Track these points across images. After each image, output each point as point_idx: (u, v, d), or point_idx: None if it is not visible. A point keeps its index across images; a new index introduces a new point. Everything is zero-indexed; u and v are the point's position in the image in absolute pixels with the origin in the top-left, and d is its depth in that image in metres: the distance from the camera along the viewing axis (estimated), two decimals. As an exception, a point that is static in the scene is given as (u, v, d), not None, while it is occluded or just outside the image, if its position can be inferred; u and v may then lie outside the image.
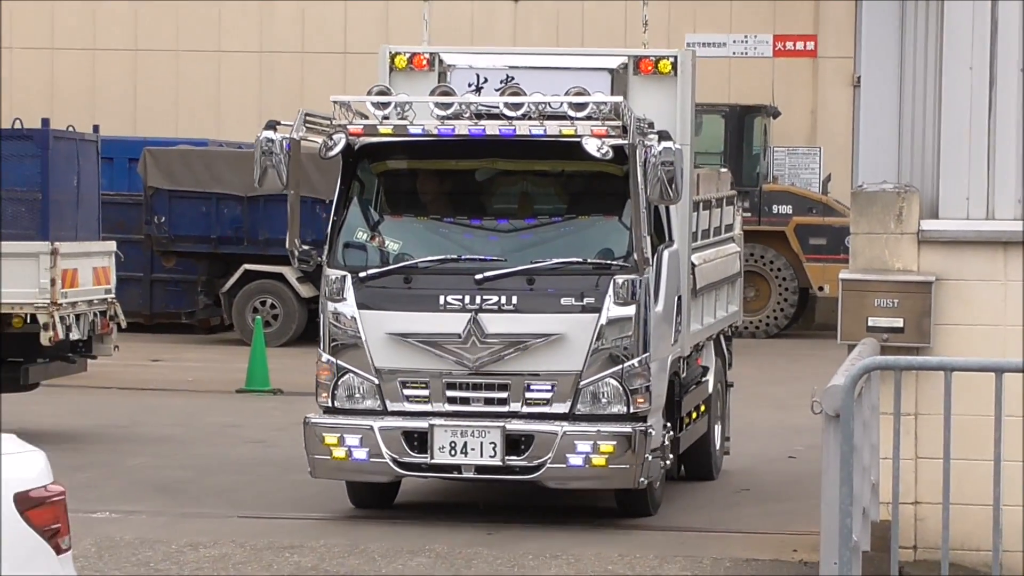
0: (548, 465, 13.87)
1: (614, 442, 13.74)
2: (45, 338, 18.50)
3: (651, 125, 14.03)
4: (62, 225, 19.60)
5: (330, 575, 12.80)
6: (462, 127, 13.91)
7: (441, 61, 15.38)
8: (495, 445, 13.89)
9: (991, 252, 12.58)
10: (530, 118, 13.80)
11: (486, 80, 14.96)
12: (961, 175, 12.60)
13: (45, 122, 19.84)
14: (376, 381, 14.10)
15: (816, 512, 10.09)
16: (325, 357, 14.28)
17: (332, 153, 13.95)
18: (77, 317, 19.06)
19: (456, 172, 15.04)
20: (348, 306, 14.12)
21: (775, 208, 32.97)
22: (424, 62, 15.29)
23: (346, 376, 14.16)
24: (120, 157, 31.60)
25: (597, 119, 13.65)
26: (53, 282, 18.47)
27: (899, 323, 12.42)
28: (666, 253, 14.75)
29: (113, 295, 19.97)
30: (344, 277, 14.19)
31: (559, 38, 36.38)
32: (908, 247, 12.60)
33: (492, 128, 13.89)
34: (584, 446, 13.78)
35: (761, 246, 32.63)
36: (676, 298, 15.06)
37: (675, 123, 15.08)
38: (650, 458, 13.97)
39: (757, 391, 24.52)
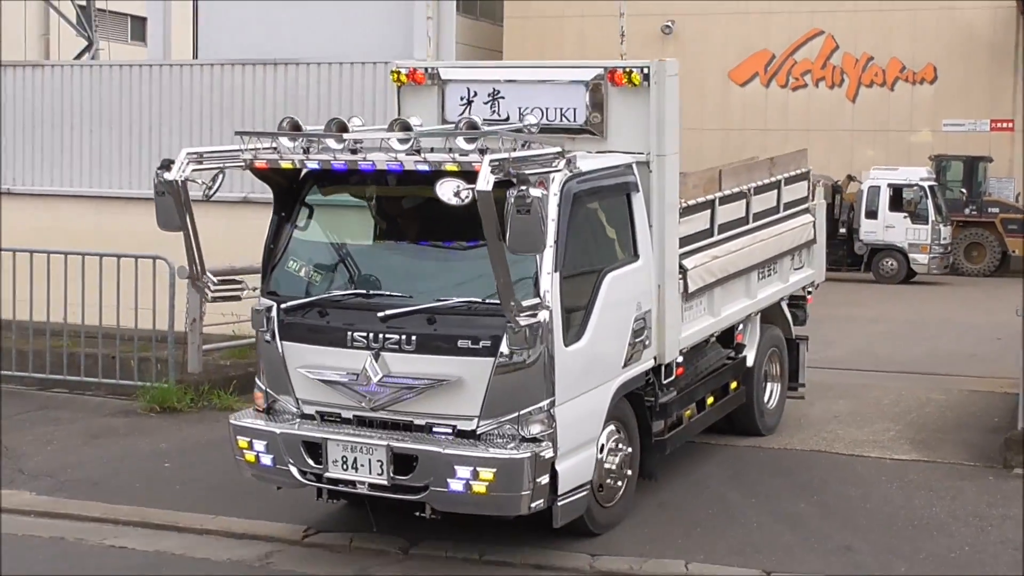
0: (431, 488, 6.68)
1: (494, 469, 6.52)
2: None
3: (530, 171, 6.39)
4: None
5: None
6: (354, 162, 6.84)
7: (439, 76, 8.34)
8: (382, 463, 6.76)
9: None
10: (419, 152, 6.66)
11: (476, 93, 8.24)
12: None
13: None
14: (299, 410, 7.15)
15: (1015, 367, 8.86)
16: (259, 383, 7.36)
17: (212, 192, 7.04)
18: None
19: (377, 203, 7.39)
20: (274, 335, 7.20)
21: (990, 209, 30.14)
22: (423, 77, 8.36)
23: (275, 404, 7.24)
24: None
25: (487, 151, 6.36)
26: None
27: (1064, 266, 10.60)
28: (608, 278, 7.19)
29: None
30: (271, 307, 7.22)
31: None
32: (1071, 224, 10.74)
33: (381, 163, 6.72)
34: (464, 471, 6.56)
35: (982, 229, 29.89)
36: (632, 319, 7.46)
37: (647, 132, 7.81)
38: (544, 482, 6.66)
39: (979, 305, 21.98)
